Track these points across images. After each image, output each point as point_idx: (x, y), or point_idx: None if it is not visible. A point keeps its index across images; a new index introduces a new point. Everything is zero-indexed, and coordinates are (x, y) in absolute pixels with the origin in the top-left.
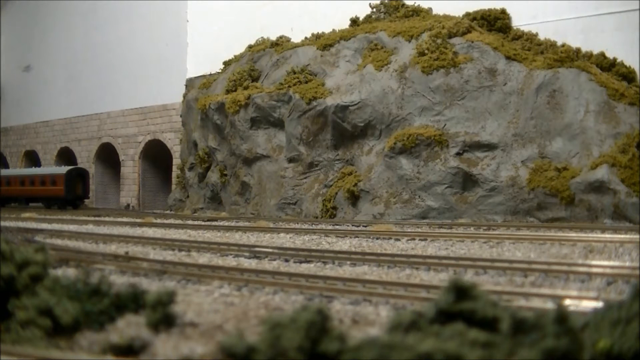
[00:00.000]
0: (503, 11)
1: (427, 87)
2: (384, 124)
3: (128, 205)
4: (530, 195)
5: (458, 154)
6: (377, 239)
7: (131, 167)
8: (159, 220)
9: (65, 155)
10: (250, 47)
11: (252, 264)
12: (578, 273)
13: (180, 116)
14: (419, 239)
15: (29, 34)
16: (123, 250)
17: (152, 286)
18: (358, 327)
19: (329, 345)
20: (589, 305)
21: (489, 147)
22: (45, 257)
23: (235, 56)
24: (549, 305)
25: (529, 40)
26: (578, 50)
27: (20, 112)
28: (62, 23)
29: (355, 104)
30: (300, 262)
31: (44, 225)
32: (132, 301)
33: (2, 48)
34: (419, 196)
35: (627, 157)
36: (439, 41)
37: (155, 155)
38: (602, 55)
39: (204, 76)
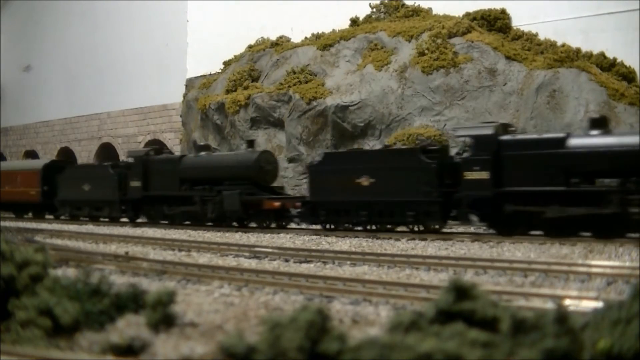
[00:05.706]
0: (503, 11)
1: (427, 87)
2: (384, 124)
3: None
4: None
5: (458, 154)
6: (377, 239)
7: None
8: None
9: (66, 156)
10: (250, 47)
11: (252, 264)
12: (578, 273)
13: (180, 116)
14: (419, 239)
15: (29, 34)
16: (123, 250)
17: (152, 286)
18: (358, 327)
19: (329, 345)
20: (589, 305)
21: None
22: (45, 257)
23: (235, 56)
24: (549, 305)
25: (529, 40)
26: (578, 50)
27: (20, 112)
28: (62, 23)
29: (355, 104)
30: (300, 262)
31: (44, 225)
32: (132, 301)
33: (2, 48)
34: None
35: None
36: (439, 41)
37: None
38: (602, 55)
39: (204, 76)
